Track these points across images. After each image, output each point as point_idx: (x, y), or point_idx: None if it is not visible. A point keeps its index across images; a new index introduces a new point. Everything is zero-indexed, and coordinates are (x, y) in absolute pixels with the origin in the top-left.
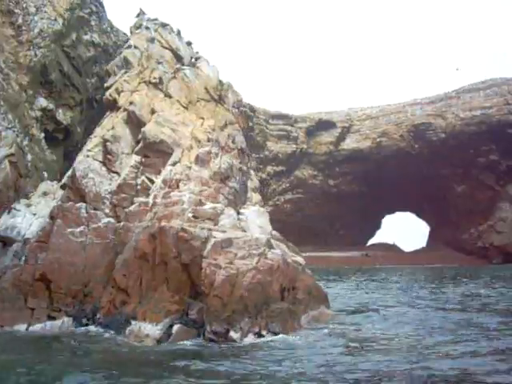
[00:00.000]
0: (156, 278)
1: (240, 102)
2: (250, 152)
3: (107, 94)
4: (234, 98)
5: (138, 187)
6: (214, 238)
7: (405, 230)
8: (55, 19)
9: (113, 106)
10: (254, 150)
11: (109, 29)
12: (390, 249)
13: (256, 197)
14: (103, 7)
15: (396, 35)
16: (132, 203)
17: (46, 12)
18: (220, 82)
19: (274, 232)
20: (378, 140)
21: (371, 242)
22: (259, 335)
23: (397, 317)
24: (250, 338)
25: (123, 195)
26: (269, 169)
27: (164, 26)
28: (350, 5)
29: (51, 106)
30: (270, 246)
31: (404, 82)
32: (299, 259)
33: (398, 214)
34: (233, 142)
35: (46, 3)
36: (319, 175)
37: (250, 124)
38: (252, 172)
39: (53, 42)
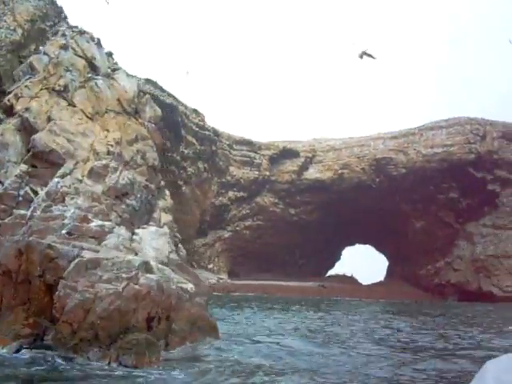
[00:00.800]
0: (18, 297)
1: (158, 117)
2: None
3: (5, 99)
4: (152, 113)
5: (20, 198)
6: (81, 257)
7: (365, 263)
8: (14, 29)
9: (9, 112)
10: (216, 175)
11: None
12: (348, 281)
13: (166, 217)
14: (66, 20)
15: (365, 69)
16: (11, 215)
17: (5, 21)
18: (139, 95)
19: (173, 256)
20: (340, 172)
21: (330, 273)
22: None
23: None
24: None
25: (2, 206)
26: (230, 194)
27: (82, 33)
28: (320, 34)
29: None
30: (148, 270)
31: (371, 116)
32: (189, 286)
33: (359, 246)
34: (142, 157)
35: (7, 13)
36: (280, 203)
37: (214, 148)
38: (167, 192)
39: (9, 52)
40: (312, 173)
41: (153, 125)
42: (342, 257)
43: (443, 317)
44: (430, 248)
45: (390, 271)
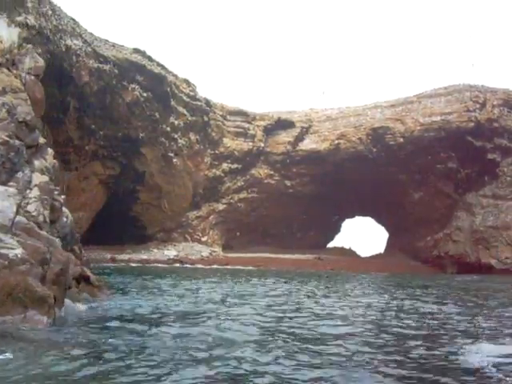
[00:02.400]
0: None
1: (39, 68)
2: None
3: None
4: (32, 64)
5: None
6: None
7: (366, 235)
8: None
9: None
10: (209, 146)
11: (50, 12)
12: (346, 253)
13: (40, 178)
14: None
15: (363, 37)
16: None
17: None
18: (20, 46)
19: (20, 219)
20: (337, 142)
21: (331, 245)
22: None
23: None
24: None
25: None
26: (224, 166)
27: None
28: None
29: None
30: None
31: (371, 84)
32: (13, 253)
33: (359, 218)
34: (8, 111)
35: None
36: (275, 175)
37: (206, 119)
38: (49, 151)
39: None
40: (308, 143)
41: (32, 77)
42: (342, 229)
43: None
44: (428, 219)
45: (390, 243)
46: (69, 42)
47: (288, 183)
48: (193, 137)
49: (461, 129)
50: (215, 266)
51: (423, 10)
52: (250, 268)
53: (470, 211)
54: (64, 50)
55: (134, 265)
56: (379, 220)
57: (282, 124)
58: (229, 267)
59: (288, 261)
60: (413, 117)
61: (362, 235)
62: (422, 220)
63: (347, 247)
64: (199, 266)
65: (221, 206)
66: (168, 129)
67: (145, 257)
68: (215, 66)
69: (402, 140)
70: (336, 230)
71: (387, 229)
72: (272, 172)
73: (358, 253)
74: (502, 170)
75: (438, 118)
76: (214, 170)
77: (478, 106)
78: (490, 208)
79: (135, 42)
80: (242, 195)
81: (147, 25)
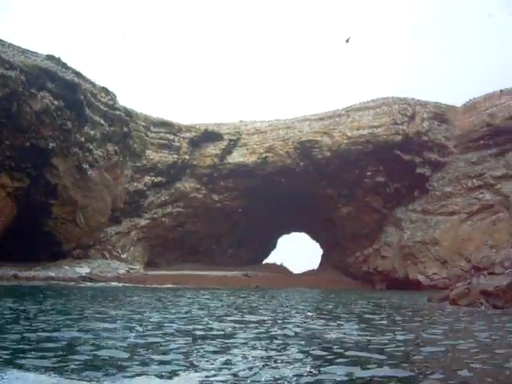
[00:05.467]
0: None
1: None
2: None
3: None
4: None
5: None
6: None
7: (303, 252)
8: None
9: None
10: (130, 158)
11: None
12: (278, 270)
13: None
14: None
15: (297, 49)
16: None
17: None
18: None
19: None
20: (265, 155)
21: (266, 262)
22: None
23: None
24: None
25: None
26: (146, 179)
27: None
28: (249, 12)
29: None
30: None
31: (306, 97)
32: None
33: (297, 234)
34: None
35: None
36: (202, 189)
37: (126, 129)
38: None
39: None
40: (236, 156)
41: None
42: (278, 246)
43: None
44: (358, 235)
45: (323, 260)
46: None
47: (216, 197)
48: (111, 148)
49: (388, 142)
50: (129, 284)
51: (357, 24)
52: (169, 286)
53: (399, 226)
54: None
55: (38, 283)
56: (313, 236)
57: (210, 136)
58: (146, 285)
59: (213, 278)
60: (340, 130)
61: (300, 251)
62: (351, 235)
63: (279, 263)
64: (113, 283)
65: (143, 222)
66: (82, 139)
67: (52, 274)
68: (143, 77)
69: (329, 154)
70: (271, 246)
71: (321, 245)
72: (199, 186)
73: (291, 269)
74: (432, 184)
75: (366, 132)
76: (135, 184)
77: (406, 119)
78: (418, 223)
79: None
80: (167, 210)
81: (71, 33)
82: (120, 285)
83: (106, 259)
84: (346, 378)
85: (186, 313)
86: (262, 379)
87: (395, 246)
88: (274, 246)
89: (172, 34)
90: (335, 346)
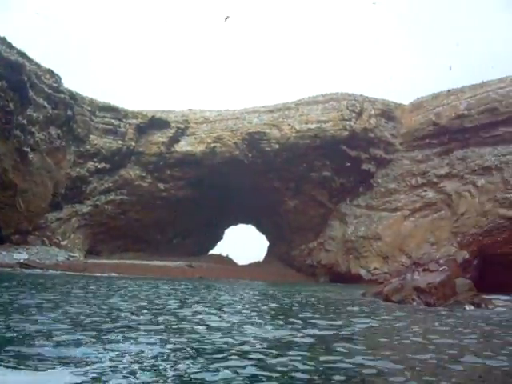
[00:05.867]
0: None
1: None
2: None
3: None
4: None
5: None
6: None
7: (249, 243)
8: None
9: None
10: (73, 143)
11: None
12: (223, 261)
13: None
14: None
15: (249, 39)
16: None
17: None
18: None
19: None
20: (213, 145)
21: (212, 253)
22: None
23: None
24: None
25: None
26: (89, 165)
27: None
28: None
29: None
30: None
31: (259, 89)
32: None
33: (245, 226)
34: None
35: None
36: (148, 177)
37: (70, 113)
38: None
39: None
40: (183, 145)
41: None
42: (226, 237)
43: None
44: (303, 228)
45: (269, 252)
46: None
47: (161, 186)
48: (53, 131)
49: (335, 137)
50: (69, 272)
51: (312, 18)
52: (109, 274)
53: (343, 221)
54: None
55: None
56: (260, 228)
57: (157, 123)
58: (85, 274)
59: (155, 268)
60: (289, 123)
61: (247, 243)
62: (297, 228)
63: (225, 255)
64: (51, 271)
65: (85, 208)
66: (24, 121)
67: None
68: (94, 61)
69: (277, 146)
70: (218, 237)
71: (267, 237)
72: (144, 174)
73: (236, 261)
74: (377, 180)
75: (314, 126)
76: (78, 169)
77: (354, 115)
78: (362, 218)
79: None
80: (110, 197)
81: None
82: (58, 272)
83: (45, 246)
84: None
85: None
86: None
87: (339, 240)
88: (220, 237)
89: (122, 17)
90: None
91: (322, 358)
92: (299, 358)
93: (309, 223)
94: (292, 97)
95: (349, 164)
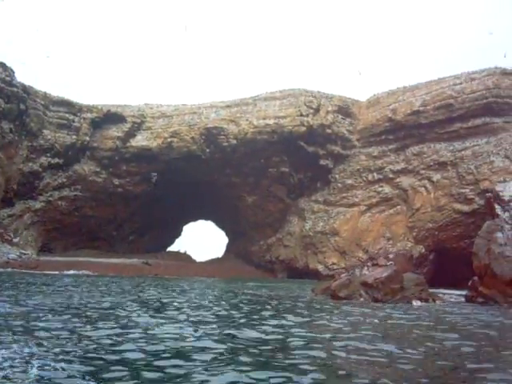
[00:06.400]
0: None
1: None
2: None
3: None
4: None
5: None
6: None
7: (210, 239)
8: None
9: None
10: (26, 138)
11: None
12: (181, 258)
13: None
14: None
15: (207, 35)
16: None
17: None
18: None
19: None
20: (170, 140)
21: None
22: None
23: None
24: None
25: None
26: (42, 160)
27: None
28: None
29: None
30: None
31: (218, 84)
32: None
33: (202, 222)
34: None
35: None
36: (103, 172)
37: (22, 107)
38: None
39: None
40: (139, 140)
41: None
42: (185, 233)
43: None
44: (262, 224)
45: (228, 248)
46: None
47: (117, 182)
48: (6, 126)
49: (293, 133)
50: (21, 270)
51: (268, 14)
52: (60, 272)
53: (302, 216)
54: None
55: None
56: (219, 224)
57: (112, 118)
58: (37, 271)
59: (109, 265)
60: (247, 119)
61: (207, 239)
62: (256, 224)
63: (183, 252)
64: (1, 269)
65: (38, 205)
66: None
67: None
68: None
69: (235, 142)
70: (176, 233)
71: (226, 233)
72: (98, 169)
73: (195, 257)
74: (334, 176)
75: (272, 122)
76: (30, 164)
77: (311, 111)
78: (320, 213)
79: None
80: (64, 193)
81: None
82: (8, 270)
83: None
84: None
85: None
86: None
87: (297, 235)
88: (178, 233)
89: (77, 8)
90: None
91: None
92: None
93: (267, 219)
94: (250, 92)
95: (307, 160)
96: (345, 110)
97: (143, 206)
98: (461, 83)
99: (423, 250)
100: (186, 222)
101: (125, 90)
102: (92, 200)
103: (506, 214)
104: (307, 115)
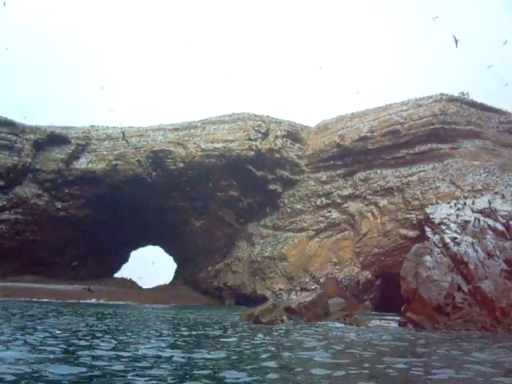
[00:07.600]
0: None
1: None
2: None
3: None
4: None
5: None
6: None
7: (160, 265)
8: None
9: None
10: None
11: None
12: (126, 285)
13: None
14: None
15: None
16: None
17: None
18: None
19: None
20: (114, 163)
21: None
22: None
23: None
24: None
25: None
26: None
27: None
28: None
29: None
30: None
31: (159, 107)
32: None
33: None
34: None
35: None
36: (45, 195)
37: None
38: None
39: None
40: (83, 162)
41: None
42: (130, 258)
43: None
44: (210, 249)
45: (176, 274)
46: None
47: (59, 205)
48: None
49: (241, 157)
50: None
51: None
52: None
53: (251, 241)
54: None
55: None
56: (167, 249)
57: (56, 139)
58: None
59: (49, 291)
60: (195, 142)
61: (157, 265)
62: (204, 249)
63: (128, 278)
64: None
65: None
66: None
67: None
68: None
69: (182, 165)
70: (123, 259)
71: (175, 259)
72: (40, 191)
73: (140, 284)
74: (283, 201)
75: (220, 145)
76: None
77: (260, 135)
78: (269, 238)
79: None
80: (4, 216)
81: None
82: None
83: None
84: None
85: None
86: None
87: (245, 260)
88: (125, 259)
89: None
90: None
91: None
92: None
93: (216, 244)
94: (198, 115)
95: (255, 184)
96: (294, 135)
97: (87, 230)
98: (408, 109)
99: (369, 276)
100: (134, 247)
101: (69, 111)
102: (33, 224)
103: (436, 236)
104: (256, 139)
